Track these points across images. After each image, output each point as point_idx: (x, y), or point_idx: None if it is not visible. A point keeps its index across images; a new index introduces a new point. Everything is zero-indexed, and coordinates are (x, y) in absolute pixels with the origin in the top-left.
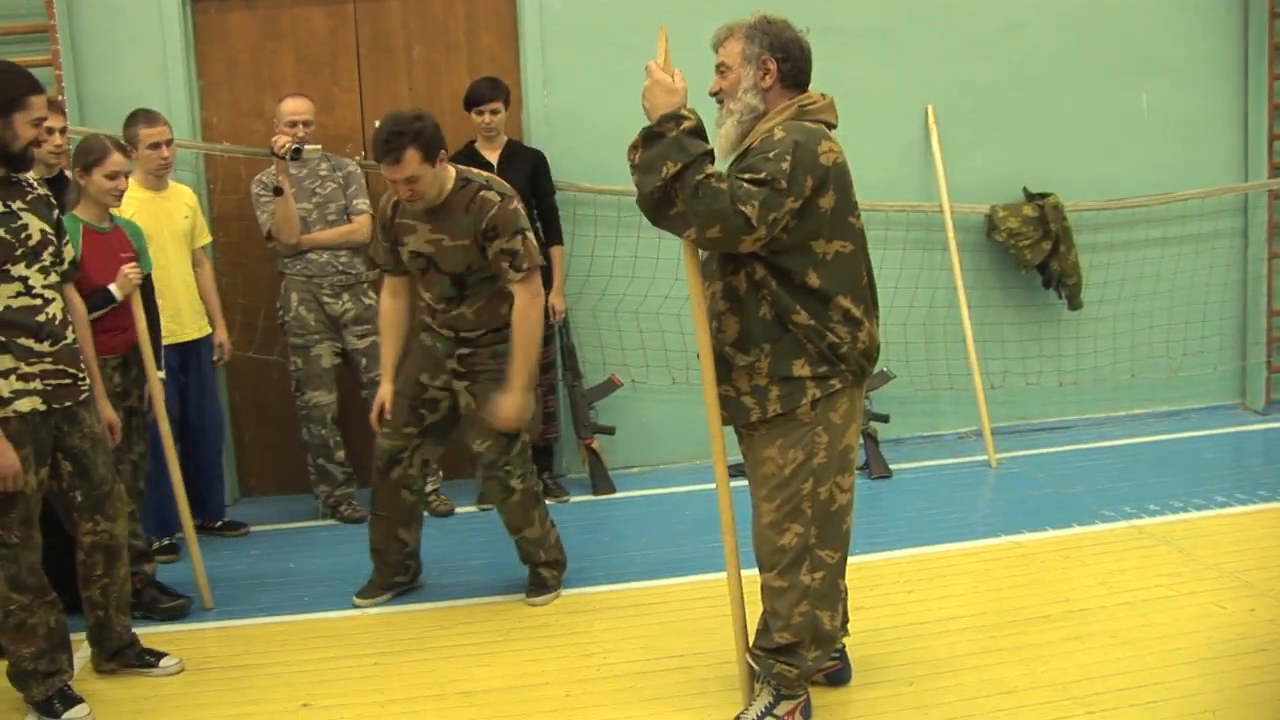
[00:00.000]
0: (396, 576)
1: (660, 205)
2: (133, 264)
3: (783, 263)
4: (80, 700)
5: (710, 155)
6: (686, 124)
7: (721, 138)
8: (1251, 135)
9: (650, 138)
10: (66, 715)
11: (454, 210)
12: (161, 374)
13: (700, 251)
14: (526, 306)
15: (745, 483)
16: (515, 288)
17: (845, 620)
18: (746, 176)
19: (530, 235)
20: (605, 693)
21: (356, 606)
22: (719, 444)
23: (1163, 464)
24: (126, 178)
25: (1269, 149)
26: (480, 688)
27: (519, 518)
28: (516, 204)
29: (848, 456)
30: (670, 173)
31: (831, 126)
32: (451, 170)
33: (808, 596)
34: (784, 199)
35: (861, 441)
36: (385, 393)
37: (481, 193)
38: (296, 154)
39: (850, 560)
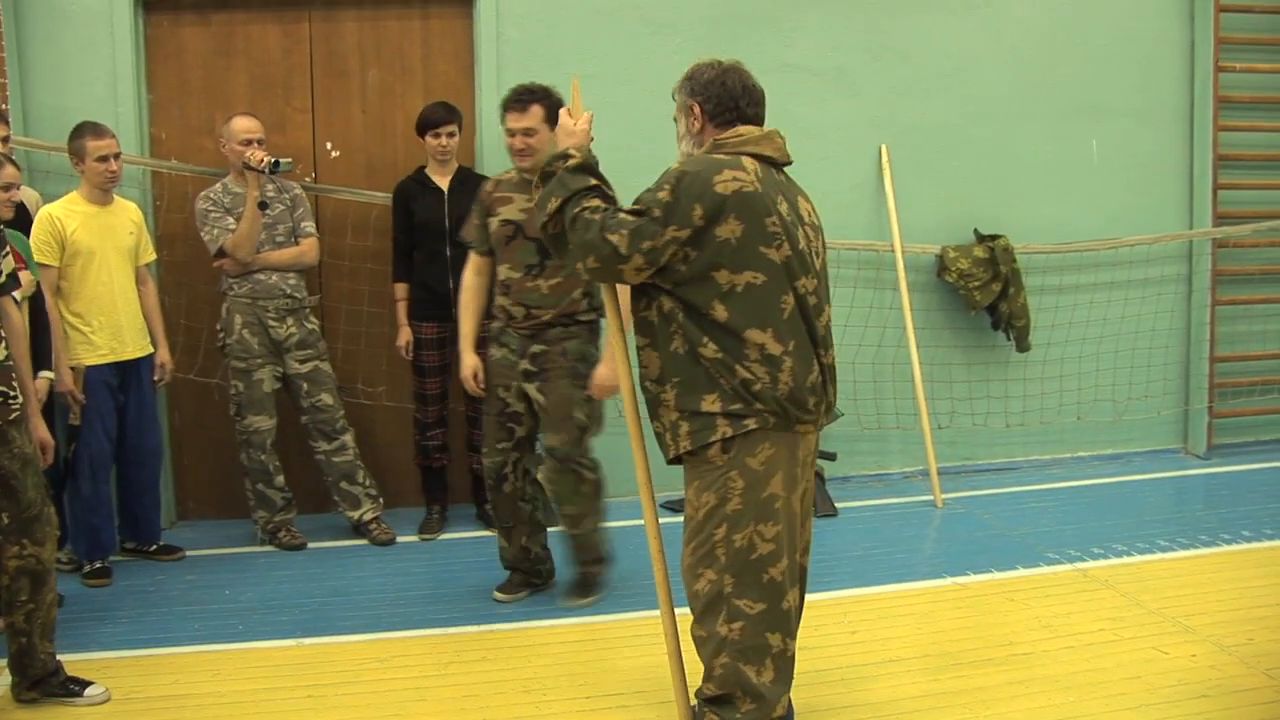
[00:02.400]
0: (534, 579)
1: (556, 241)
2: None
3: (686, 295)
4: None
5: (594, 190)
6: (571, 161)
7: None
8: (1197, 184)
9: (544, 177)
10: None
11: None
12: (50, 374)
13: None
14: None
15: (678, 519)
16: None
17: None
18: (626, 208)
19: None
20: None
21: (497, 601)
22: (643, 473)
23: (1107, 507)
24: (19, 189)
25: (1213, 198)
26: None
27: (586, 507)
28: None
29: (771, 506)
30: (553, 208)
31: (769, 160)
32: None
33: (726, 648)
34: (662, 228)
35: None
36: (471, 362)
37: None
38: (276, 167)
39: None
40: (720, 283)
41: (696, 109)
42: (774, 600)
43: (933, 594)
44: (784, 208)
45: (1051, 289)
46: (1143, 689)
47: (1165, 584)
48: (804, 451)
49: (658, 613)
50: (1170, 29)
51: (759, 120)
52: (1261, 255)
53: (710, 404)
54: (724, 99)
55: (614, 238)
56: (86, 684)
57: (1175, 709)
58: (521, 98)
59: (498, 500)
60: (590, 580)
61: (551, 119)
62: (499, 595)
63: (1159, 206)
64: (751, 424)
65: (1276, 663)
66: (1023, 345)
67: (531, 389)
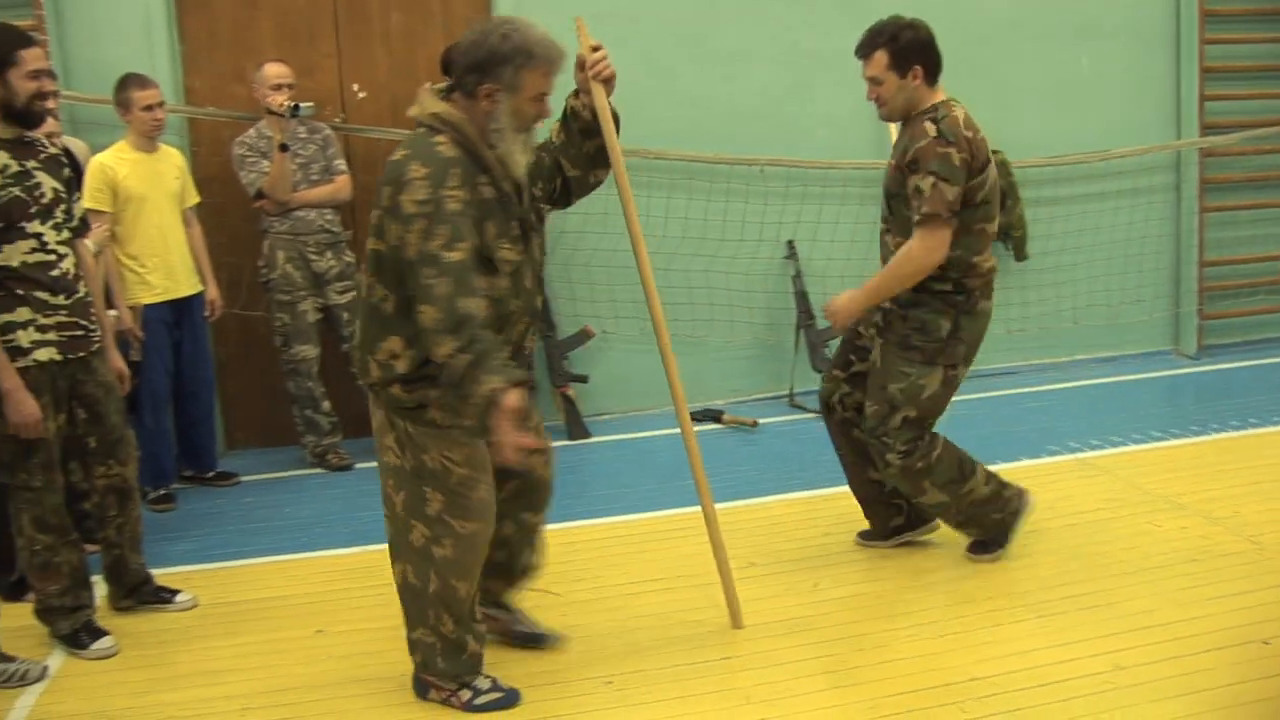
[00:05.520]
0: (893, 520)
1: None
2: None
3: None
4: (106, 633)
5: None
6: None
7: None
8: (1184, 96)
9: None
10: (94, 646)
11: (904, 132)
12: (114, 313)
13: None
14: (913, 248)
15: (714, 426)
16: (915, 229)
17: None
18: None
19: (946, 185)
20: (602, 612)
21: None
22: (674, 379)
23: (1103, 405)
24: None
25: (1200, 109)
26: None
27: (906, 487)
28: (950, 149)
29: None
30: None
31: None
32: (934, 96)
33: None
34: None
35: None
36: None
37: (925, 121)
38: (295, 110)
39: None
40: None
41: None
42: None
43: None
44: None
45: (1047, 201)
46: (1138, 556)
47: (1159, 469)
48: None
49: (684, 509)
50: None
51: None
52: (1248, 163)
53: None
54: None
55: None
56: (175, 592)
57: (1167, 571)
58: (862, 45)
59: (830, 428)
60: (981, 545)
61: (897, 62)
62: (862, 542)
63: (1148, 119)
64: None
65: (1259, 530)
66: (1021, 254)
67: (876, 341)
